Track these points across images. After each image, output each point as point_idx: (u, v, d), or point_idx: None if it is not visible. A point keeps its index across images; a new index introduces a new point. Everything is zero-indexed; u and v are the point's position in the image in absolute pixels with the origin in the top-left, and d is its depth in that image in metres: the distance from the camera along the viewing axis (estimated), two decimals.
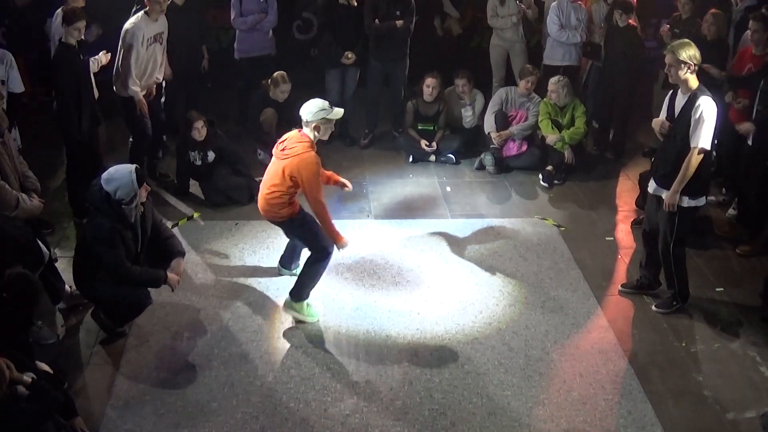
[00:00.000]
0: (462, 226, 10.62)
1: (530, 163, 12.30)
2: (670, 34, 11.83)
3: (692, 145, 7.98)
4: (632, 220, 10.86)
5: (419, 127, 12.65)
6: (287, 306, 8.61)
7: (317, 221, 8.32)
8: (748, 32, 10.80)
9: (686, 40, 8.19)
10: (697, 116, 7.88)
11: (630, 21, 11.92)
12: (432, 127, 12.61)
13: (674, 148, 8.20)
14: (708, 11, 11.20)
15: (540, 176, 12.01)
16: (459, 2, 14.41)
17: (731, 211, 10.75)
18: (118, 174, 7.61)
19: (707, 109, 7.88)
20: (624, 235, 10.61)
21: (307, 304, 8.62)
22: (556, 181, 11.96)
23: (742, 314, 8.97)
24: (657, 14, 14.23)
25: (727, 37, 11.37)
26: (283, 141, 8.24)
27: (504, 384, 7.78)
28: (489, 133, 12.34)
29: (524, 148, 12.32)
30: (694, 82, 8.02)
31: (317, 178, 8.10)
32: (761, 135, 9.71)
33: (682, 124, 8.06)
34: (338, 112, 8.20)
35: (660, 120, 8.35)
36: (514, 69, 13.53)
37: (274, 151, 8.29)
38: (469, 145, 12.79)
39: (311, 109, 8.05)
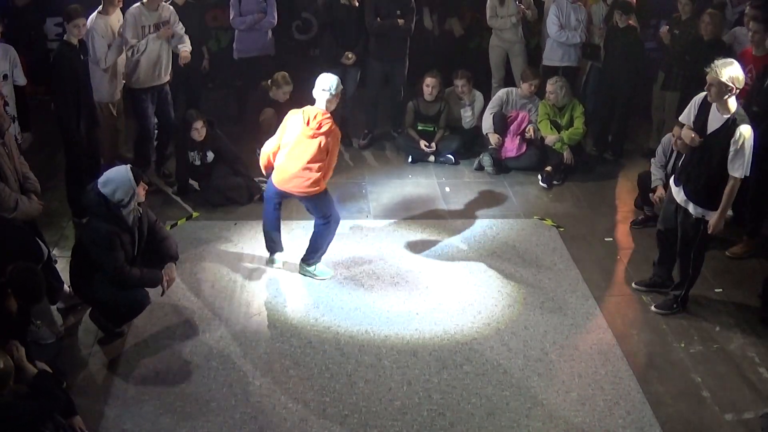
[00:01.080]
0: (461, 227, 10.62)
1: (529, 164, 12.29)
2: (670, 35, 11.86)
3: (735, 175, 7.95)
4: (631, 220, 10.87)
5: (419, 128, 12.65)
6: (301, 270, 9.45)
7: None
8: (741, 31, 10.90)
9: (730, 59, 8.05)
10: (739, 147, 7.81)
11: (630, 22, 11.92)
12: (432, 128, 12.61)
13: (709, 169, 8.14)
14: (705, 12, 11.25)
15: (539, 177, 12.02)
16: (460, 3, 14.38)
17: (729, 213, 10.71)
18: (114, 175, 7.63)
19: (749, 139, 7.83)
20: (623, 235, 10.62)
21: (316, 267, 9.43)
22: (555, 182, 11.97)
23: (741, 315, 8.99)
24: (657, 15, 14.23)
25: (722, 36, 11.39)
26: (309, 119, 8.72)
27: (503, 384, 7.79)
28: (487, 134, 12.35)
29: (523, 148, 12.32)
30: (733, 104, 7.89)
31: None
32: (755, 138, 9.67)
33: (719, 146, 7.97)
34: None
35: (692, 133, 8.17)
36: (513, 70, 13.52)
37: (302, 129, 8.72)
38: (468, 145, 12.79)
39: (333, 82, 8.79)
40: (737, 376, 8.07)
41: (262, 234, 9.62)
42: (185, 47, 11.19)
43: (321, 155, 8.70)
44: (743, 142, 7.79)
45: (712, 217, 8.27)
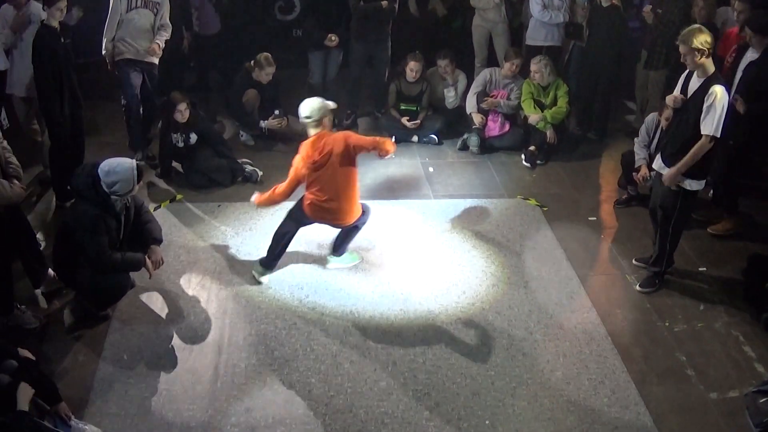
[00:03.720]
0: (445, 207, 10.62)
1: (513, 143, 12.31)
2: (653, 15, 11.85)
3: (704, 133, 8.03)
4: (615, 200, 10.89)
5: (402, 108, 12.63)
6: (332, 262, 9.26)
7: None
8: (729, 11, 10.95)
9: (696, 26, 8.26)
10: (710, 103, 7.91)
11: (613, 1, 11.90)
12: (415, 108, 12.59)
13: (685, 130, 8.23)
14: None
15: (522, 156, 12.03)
16: None
17: (709, 194, 10.74)
18: (120, 168, 7.54)
19: (720, 97, 7.91)
20: (607, 215, 10.63)
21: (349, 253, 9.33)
22: (538, 161, 11.97)
23: (725, 294, 9.01)
24: None
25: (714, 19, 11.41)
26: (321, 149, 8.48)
27: (488, 364, 7.80)
28: (471, 114, 12.35)
29: (507, 128, 12.33)
30: (710, 66, 8.02)
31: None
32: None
33: (695, 107, 8.08)
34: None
35: (674, 95, 8.34)
36: (496, 49, 13.49)
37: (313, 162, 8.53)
38: (451, 125, 12.77)
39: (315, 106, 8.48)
40: (722, 355, 8.09)
41: (245, 215, 9.60)
42: (158, 39, 11.05)
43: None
44: (714, 99, 7.90)
45: (669, 170, 8.37)
